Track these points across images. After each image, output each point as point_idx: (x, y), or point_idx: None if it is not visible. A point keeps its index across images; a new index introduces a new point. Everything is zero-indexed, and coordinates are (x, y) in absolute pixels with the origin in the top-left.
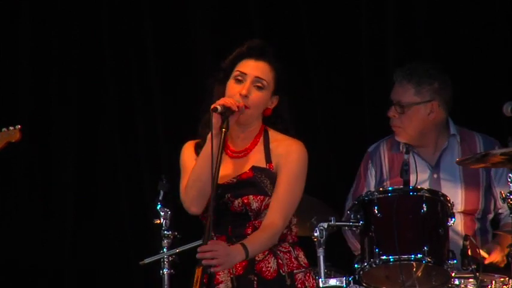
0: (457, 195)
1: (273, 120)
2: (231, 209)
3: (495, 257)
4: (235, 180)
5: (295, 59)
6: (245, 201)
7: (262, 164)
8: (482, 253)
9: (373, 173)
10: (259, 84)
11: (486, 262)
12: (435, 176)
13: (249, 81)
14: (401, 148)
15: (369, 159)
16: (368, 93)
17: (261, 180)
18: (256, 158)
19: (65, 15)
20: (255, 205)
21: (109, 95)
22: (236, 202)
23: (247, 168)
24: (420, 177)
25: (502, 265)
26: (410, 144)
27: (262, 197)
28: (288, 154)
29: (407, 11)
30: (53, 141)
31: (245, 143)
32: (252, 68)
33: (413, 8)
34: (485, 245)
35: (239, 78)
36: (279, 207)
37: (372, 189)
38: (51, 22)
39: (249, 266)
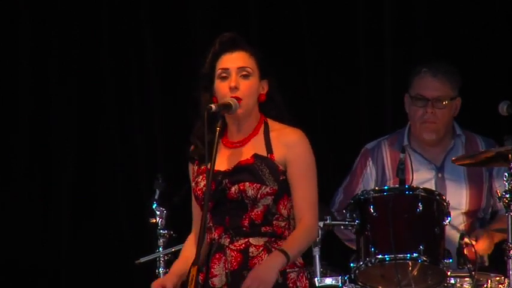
0: (462, 196)
1: (268, 106)
2: (228, 196)
3: (482, 243)
4: (233, 166)
5: (295, 59)
6: (241, 187)
7: (263, 153)
8: (468, 240)
9: (374, 171)
10: (245, 73)
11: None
12: (440, 175)
13: (234, 73)
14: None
15: (369, 156)
16: (368, 94)
17: (260, 169)
18: (256, 147)
19: (65, 15)
20: (250, 192)
21: (109, 95)
22: (233, 189)
23: (247, 155)
24: (424, 177)
25: (489, 252)
26: (434, 139)
27: (258, 185)
28: (293, 147)
29: (407, 11)
30: (53, 141)
31: (243, 134)
32: (232, 60)
33: (413, 8)
34: (474, 231)
35: (223, 75)
36: (307, 206)
37: (371, 187)
38: (51, 22)
39: (243, 261)
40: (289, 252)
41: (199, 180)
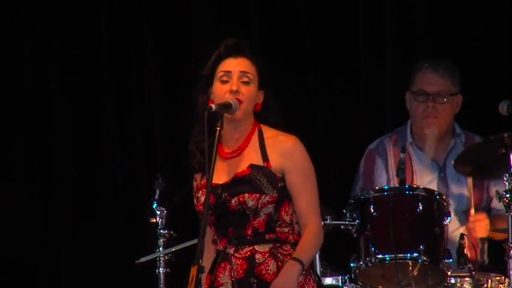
0: (463, 195)
1: (264, 115)
2: (230, 208)
3: (480, 216)
4: (231, 178)
5: (295, 59)
6: (241, 199)
7: (259, 162)
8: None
9: (383, 168)
10: (246, 79)
11: (471, 219)
12: (442, 175)
13: (236, 77)
14: (407, 145)
15: (375, 155)
16: (368, 94)
17: (257, 179)
18: (252, 156)
19: (65, 15)
20: (251, 203)
21: (109, 95)
22: (233, 201)
23: (244, 166)
24: (428, 177)
25: (486, 234)
26: (436, 135)
27: (258, 195)
28: (290, 156)
29: (407, 11)
30: (53, 141)
31: (238, 142)
32: (235, 64)
33: (413, 8)
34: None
35: (224, 78)
36: (311, 212)
37: (386, 183)
38: (51, 22)
39: (249, 268)
40: (303, 260)
41: (199, 195)
